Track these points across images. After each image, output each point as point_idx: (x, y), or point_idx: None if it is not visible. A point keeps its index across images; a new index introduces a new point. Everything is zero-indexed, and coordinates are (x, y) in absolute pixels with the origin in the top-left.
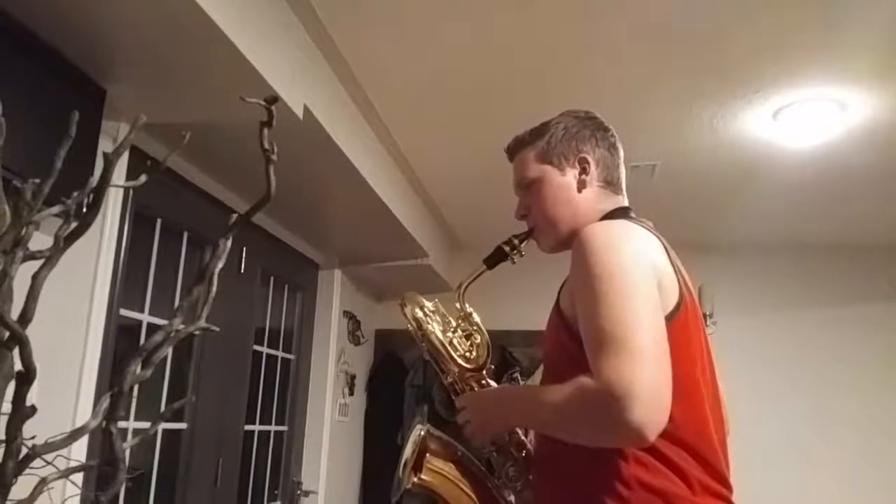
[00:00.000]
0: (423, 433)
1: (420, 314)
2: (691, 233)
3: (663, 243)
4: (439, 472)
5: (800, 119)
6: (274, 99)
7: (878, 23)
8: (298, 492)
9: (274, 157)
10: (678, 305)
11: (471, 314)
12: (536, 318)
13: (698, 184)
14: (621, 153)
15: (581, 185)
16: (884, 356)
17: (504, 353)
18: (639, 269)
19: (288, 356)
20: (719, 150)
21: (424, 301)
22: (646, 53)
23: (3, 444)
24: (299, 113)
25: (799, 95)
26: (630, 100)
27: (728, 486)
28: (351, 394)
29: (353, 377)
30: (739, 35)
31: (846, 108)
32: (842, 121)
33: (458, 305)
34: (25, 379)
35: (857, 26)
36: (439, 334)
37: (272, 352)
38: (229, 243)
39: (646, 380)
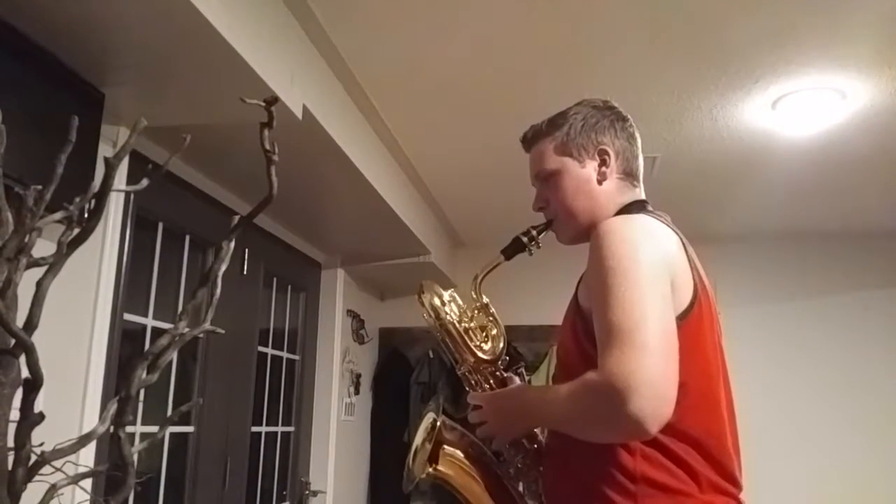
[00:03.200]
0: (439, 423)
1: (438, 303)
2: (692, 224)
3: (681, 239)
4: (452, 461)
5: (799, 108)
6: (274, 100)
7: (878, 10)
8: (306, 492)
9: (275, 158)
10: (692, 303)
11: (487, 305)
12: (540, 313)
13: (699, 175)
14: (639, 143)
15: (601, 178)
16: (886, 343)
17: (508, 347)
18: (652, 264)
19: (293, 357)
20: (719, 140)
21: (442, 290)
22: (644, 45)
23: (13, 452)
24: (298, 113)
25: (798, 84)
26: (629, 93)
27: (737, 485)
28: (356, 393)
29: (358, 376)
30: (737, 24)
31: (846, 97)
32: (841, 109)
33: (473, 295)
34: (33, 386)
35: (857, 14)
36: (456, 323)
37: (277, 353)
38: (232, 245)
39: (647, 372)
